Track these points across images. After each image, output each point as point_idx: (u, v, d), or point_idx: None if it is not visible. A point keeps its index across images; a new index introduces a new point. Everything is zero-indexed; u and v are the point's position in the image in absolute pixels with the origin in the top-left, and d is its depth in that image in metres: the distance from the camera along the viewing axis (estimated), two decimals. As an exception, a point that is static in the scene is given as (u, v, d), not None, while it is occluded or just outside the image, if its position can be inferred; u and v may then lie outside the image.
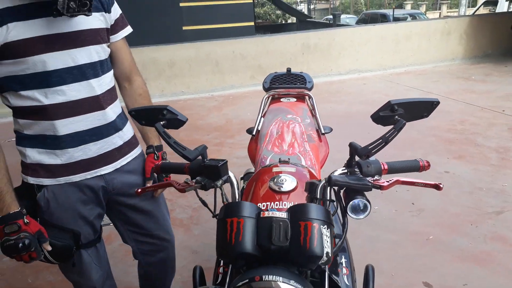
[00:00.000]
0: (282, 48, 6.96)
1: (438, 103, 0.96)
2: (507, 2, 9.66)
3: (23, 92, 1.16)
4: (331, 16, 19.18)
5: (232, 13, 9.71)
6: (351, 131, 3.75)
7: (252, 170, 2.20)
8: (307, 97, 2.14)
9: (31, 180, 1.25)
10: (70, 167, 1.24)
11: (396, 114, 0.94)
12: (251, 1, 10.07)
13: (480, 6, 12.42)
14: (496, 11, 11.09)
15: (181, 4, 9.18)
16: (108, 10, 1.28)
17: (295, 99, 2.10)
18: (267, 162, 1.55)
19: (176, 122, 1.00)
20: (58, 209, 1.25)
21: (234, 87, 6.90)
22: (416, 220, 2.73)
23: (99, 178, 1.30)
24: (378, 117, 0.95)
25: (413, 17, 14.47)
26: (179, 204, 3.11)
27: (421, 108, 0.96)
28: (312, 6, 32.06)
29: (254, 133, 1.95)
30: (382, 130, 0.98)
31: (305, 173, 1.29)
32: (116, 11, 1.33)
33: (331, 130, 2.05)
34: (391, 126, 0.98)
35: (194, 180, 1.05)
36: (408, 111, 0.95)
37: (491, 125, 4.36)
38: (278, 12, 23.68)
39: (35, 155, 1.23)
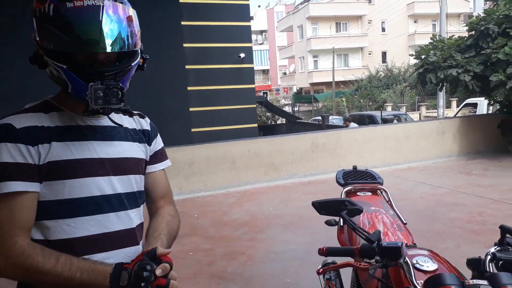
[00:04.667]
0: (293, 147, 7.43)
1: None
2: (486, 104, 10.71)
3: (47, 222, 1.03)
4: (319, 117, 20.54)
5: (237, 116, 10.43)
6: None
7: (329, 260, 2.36)
8: (379, 191, 2.40)
9: None
10: None
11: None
12: (255, 106, 10.90)
13: (461, 107, 13.67)
14: (477, 112, 12.24)
15: (191, 109, 9.87)
16: (149, 143, 1.26)
17: (370, 193, 2.35)
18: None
19: (355, 211, 1.22)
20: None
21: (249, 183, 7.16)
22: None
23: None
24: None
25: (398, 118, 15.63)
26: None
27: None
28: (296, 108, 34.30)
29: (342, 224, 2.15)
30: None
31: (434, 255, 1.49)
32: (157, 143, 1.30)
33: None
34: None
35: (373, 260, 1.23)
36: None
37: (509, 216, 4.64)
38: (268, 114, 25.24)
39: None
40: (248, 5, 10.41)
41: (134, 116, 1.25)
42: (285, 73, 48.47)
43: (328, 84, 33.24)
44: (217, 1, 9.99)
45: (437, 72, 7.76)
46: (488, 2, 9.23)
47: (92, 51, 0.98)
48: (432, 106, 21.50)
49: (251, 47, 10.76)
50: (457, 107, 17.19)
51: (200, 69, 10.01)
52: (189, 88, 9.68)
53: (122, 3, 1.03)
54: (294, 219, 5.16)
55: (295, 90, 41.70)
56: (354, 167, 2.61)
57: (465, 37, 8.34)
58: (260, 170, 7.22)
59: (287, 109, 32.90)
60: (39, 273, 0.96)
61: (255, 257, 4.05)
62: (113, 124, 1.10)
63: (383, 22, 34.15)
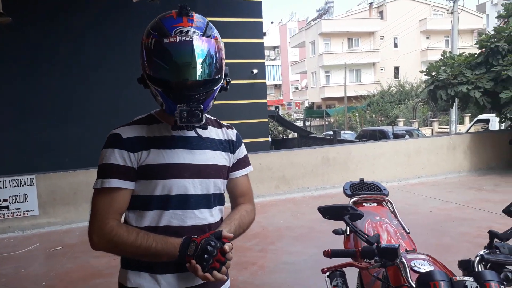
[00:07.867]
0: (304, 160, 7.56)
1: None
2: (498, 121, 10.72)
3: (139, 212, 1.28)
4: (330, 132, 20.64)
5: (249, 130, 10.61)
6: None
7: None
8: (384, 202, 2.52)
9: None
10: None
11: (521, 208, 1.32)
12: (267, 120, 11.08)
13: (473, 123, 13.67)
14: (489, 128, 12.24)
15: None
16: (233, 152, 1.43)
17: (375, 204, 2.48)
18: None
19: (356, 216, 1.36)
20: None
21: (261, 196, 7.29)
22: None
23: None
24: (510, 211, 1.33)
25: (410, 133, 15.66)
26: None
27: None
28: (308, 123, 34.43)
29: (348, 232, 2.29)
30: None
31: (431, 260, 1.62)
32: (241, 152, 1.47)
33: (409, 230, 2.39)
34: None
35: (373, 260, 1.36)
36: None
37: (518, 232, 4.68)
38: (280, 128, 25.44)
39: (136, 278, 1.28)
40: (261, 23, 10.70)
41: (223, 128, 1.45)
42: (297, 88, 48.76)
43: (340, 99, 33.35)
44: (230, 19, 10.28)
45: (447, 89, 7.87)
46: (499, 20, 9.34)
47: (182, 78, 1.19)
48: (445, 122, 21.46)
49: (263, 63, 11.01)
50: (470, 123, 17.14)
51: (214, 84, 10.24)
52: (203, 102, 9.91)
53: (209, 36, 1.23)
54: (304, 231, 5.26)
55: (307, 105, 41.89)
56: (361, 179, 2.74)
57: (475, 54, 8.45)
58: (271, 184, 7.36)
59: (299, 123, 33.06)
60: (123, 245, 1.21)
61: (266, 268, 4.17)
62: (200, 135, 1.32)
63: (395, 38, 34.33)
